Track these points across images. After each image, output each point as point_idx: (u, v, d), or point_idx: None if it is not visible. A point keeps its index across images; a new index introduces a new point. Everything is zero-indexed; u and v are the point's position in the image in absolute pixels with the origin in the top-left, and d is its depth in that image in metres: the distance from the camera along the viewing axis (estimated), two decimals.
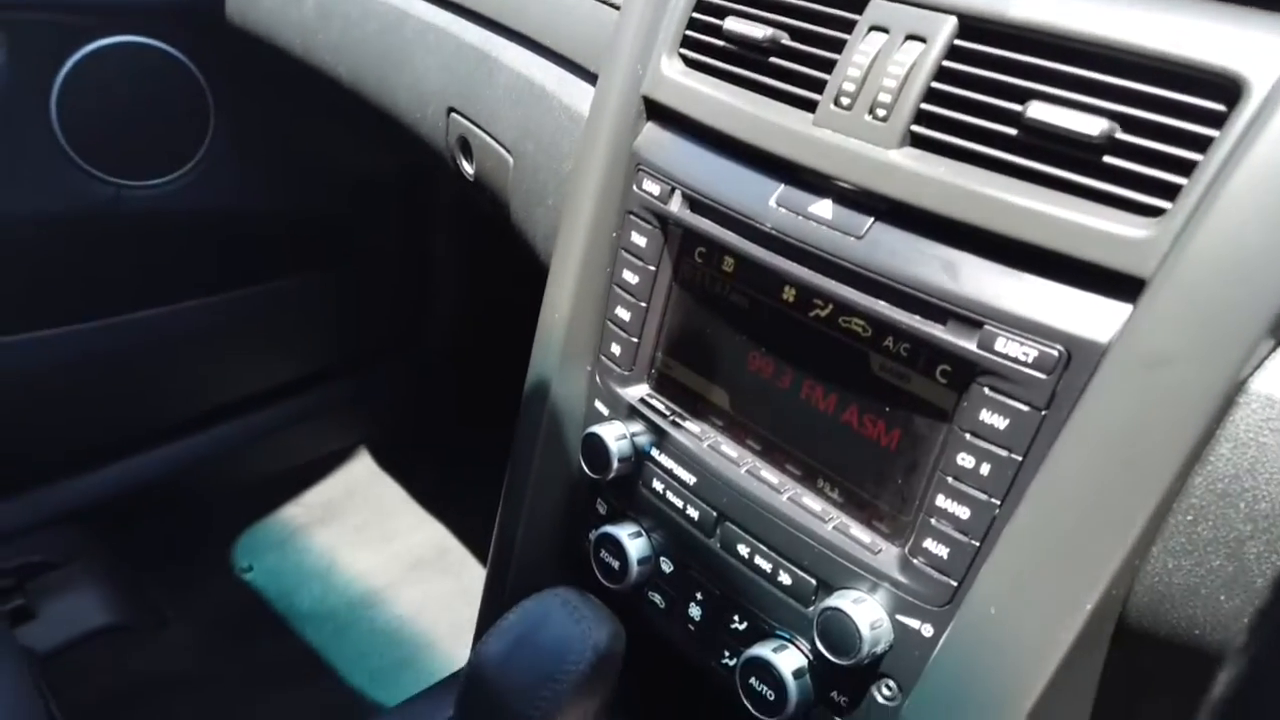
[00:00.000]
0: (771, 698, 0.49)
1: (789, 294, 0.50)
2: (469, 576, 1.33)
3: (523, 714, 0.43)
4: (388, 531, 1.40)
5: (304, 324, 1.34)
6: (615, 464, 0.57)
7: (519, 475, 0.67)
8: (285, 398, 1.36)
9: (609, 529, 0.58)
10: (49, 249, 1.11)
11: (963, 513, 0.43)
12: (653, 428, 0.57)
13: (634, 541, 0.58)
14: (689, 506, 0.55)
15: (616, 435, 0.57)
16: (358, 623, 1.26)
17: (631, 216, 0.56)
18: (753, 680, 0.50)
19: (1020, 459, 0.41)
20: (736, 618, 0.53)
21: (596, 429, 0.57)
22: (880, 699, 0.47)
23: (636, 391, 0.58)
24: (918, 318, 0.43)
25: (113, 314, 1.17)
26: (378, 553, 1.37)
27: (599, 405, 0.60)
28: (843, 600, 0.46)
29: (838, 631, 0.46)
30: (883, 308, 0.45)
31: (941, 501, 0.44)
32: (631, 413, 0.58)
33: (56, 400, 1.15)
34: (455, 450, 1.49)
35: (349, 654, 1.21)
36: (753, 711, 0.50)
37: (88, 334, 1.16)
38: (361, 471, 1.47)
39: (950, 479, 0.43)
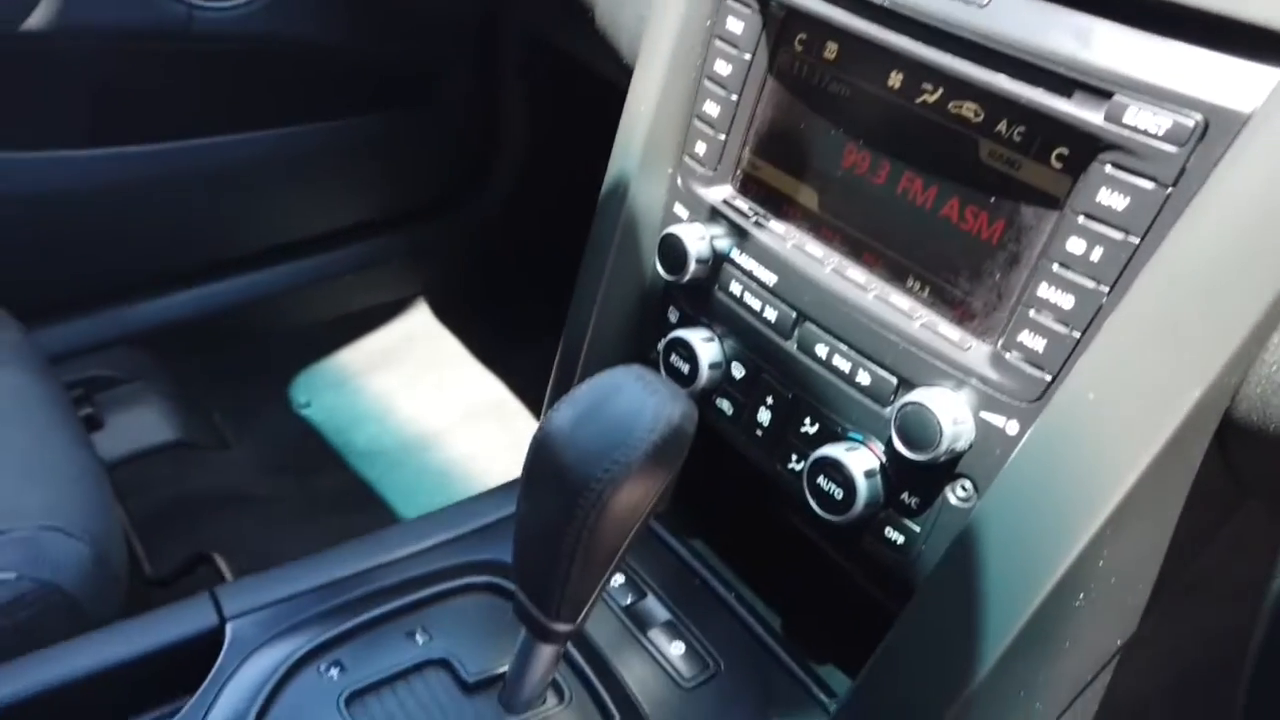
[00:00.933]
0: (839, 496, 0.48)
1: (895, 80, 0.47)
2: (522, 428, 1.34)
3: (589, 478, 0.43)
4: (444, 380, 1.41)
5: (367, 167, 1.33)
6: (692, 266, 0.55)
7: (590, 280, 0.66)
8: (347, 243, 1.36)
9: (680, 333, 0.57)
10: (119, 66, 1.10)
11: (1066, 302, 0.41)
12: (734, 230, 0.55)
13: (706, 346, 0.56)
14: (767, 308, 0.53)
15: (696, 236, 0.55)
16: (410, 463, 1.28)
17: (729, 1, 0.54)
18: (821, 479, 0.49)
19: (1137, 241, 0.38)
20: (808, 420, 0.52)
21: (675, 229, 0.56)
22: (954, 500, 0.46)
23: (719, 193, 0.56)
24: (1041, 90, 0.40)
25: (177, 138, 1.16)
26: (433, 400, 1.38)
27: (678, 208, 0.58)
28: (925, 394, 0.45)
29: (917, 424, 0.44)
30: (1003, 82, 0.42)
31: (1043, 292, 0.41)
32: (713, 215, 0.56)
33: (120, 221, 1.16)
34: (514, 304, 1.48)
35: (401, 489, 1.23)
36: (818, 511, 0.49)
37: (152, 155, 1.15)
38: (420, 320, 1.48)
39: (1055, 267, 0.41)
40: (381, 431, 1.32)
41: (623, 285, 0.64)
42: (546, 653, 0.48)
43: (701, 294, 0.57)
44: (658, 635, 0.56)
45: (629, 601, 0.59)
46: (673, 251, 0.56)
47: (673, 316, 0.60)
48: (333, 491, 1.21)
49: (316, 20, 1.17)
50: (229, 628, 0.52)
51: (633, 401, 0.44)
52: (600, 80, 0.92)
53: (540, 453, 0.45)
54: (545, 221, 1.35)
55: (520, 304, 1.49)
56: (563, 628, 0.46)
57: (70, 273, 1.14)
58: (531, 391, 1.36)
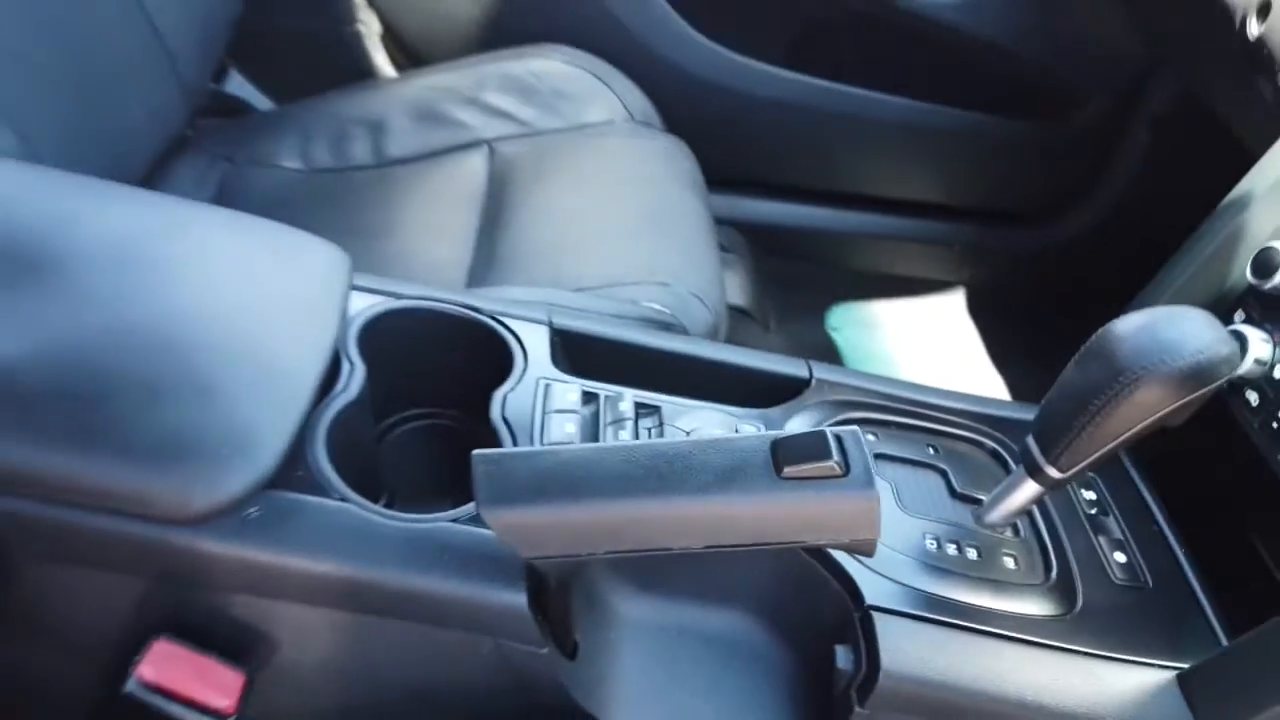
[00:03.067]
0: None
1: None
2: None
3: (1134, 365, 0.56)
4: (959, 359, 1.57)
5: (980, 157, 1.50)
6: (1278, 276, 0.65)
7: (1167, 282, 0.77)
8: (933, 216, 1.56)
9: (1240, 326, 0.68)
10: (827, 13, 1.38)
11: None
12: None
13: (1260, 343, 0.66)
14: None
15: None
16: None
17: None
18: None
19: None
20: None
21: (1275, 243, 0.66)
22: None
23: None
24: None
25: (848, 83, 1.42)
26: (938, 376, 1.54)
27: None
28: None
29: None
30: None
31: None
32: None
33: (788, 134, 1.45)
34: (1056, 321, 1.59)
35: None
36: None
37: (828, 90, 1.42)
38: (953, 306, 1.65)
39: None
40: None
41: (1198, 288, 0.75)
42: (1029, 488, 0.63)
43: (1273, 302, 0.67)
44: (1106, 542, 0.69)
45: (1093, 512, 0.71)
46: (1269, 262, 0.66)
47: (1238, 318, 0.70)
48: None
49: (1002, 24, 1.37)
50: (813, 380, 0.74)
51: (1195, 327, 0.57)
52: (1224, 131, 1.00)
53: (1105, 337, 0.59)
54: (1119, 252, 1.43)
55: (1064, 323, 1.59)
56: (1052, 473, 0.61)
57: (734, 157, 1.47)
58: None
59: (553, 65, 1.25)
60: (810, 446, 0.48)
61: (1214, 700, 0.57)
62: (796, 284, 1.57)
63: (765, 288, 1.54)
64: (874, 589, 0.59)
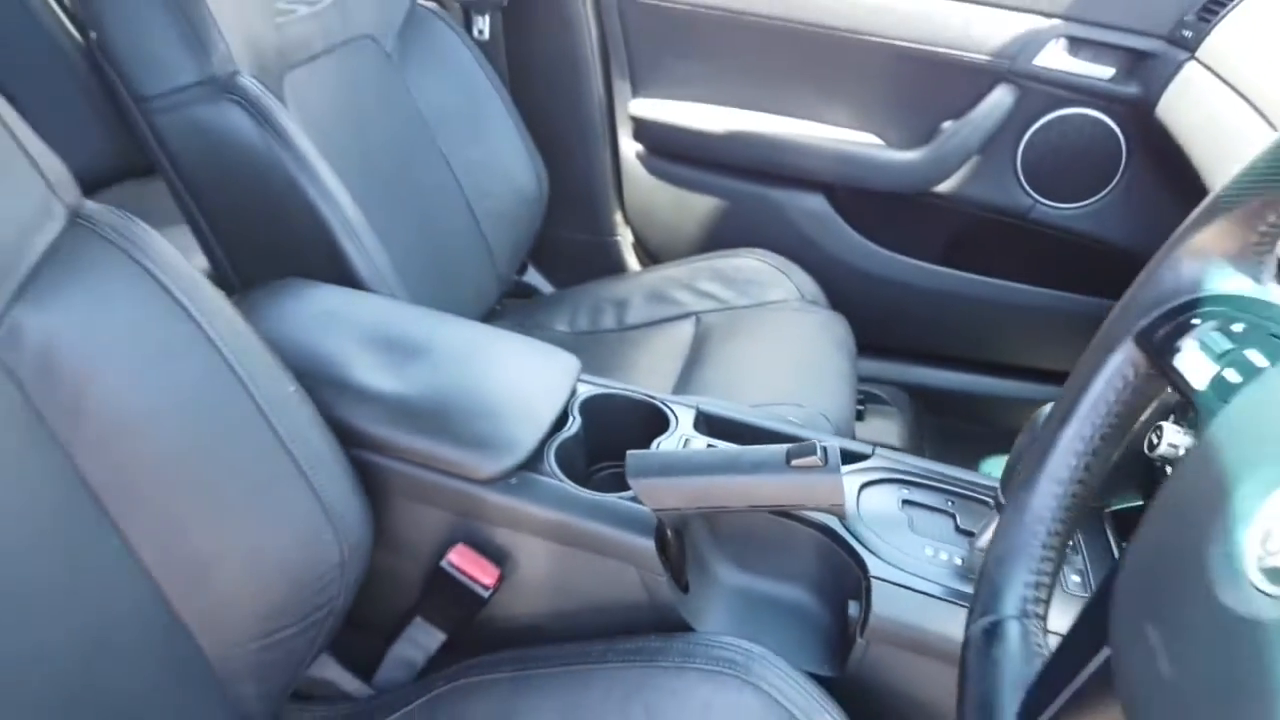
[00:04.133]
0: None
1: None
2: None
3: None
4: None
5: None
6: None
7: None
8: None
9: None
10: (971, 221, 1.76)
11: None
12: None
13: None
14: None
15: None
16: None
17: None
18: None
19: None
20: None
21: None
22: None
23: None
24: None
25: (982, 274, 1.78)
26: None
27: None
28: None
29: None
30: None
31: None
32: None
33: (937, 311, 1.82)
34: None
35: None
36: None
37: (969, 280, 1.78)
38: None
39: None
40: None
41: None
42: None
43: None
44: (1068, 569, 0.97)
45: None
46: None
47: None
48: None
49: (1119, 227, 1.68)
50: (874, 453, 1.09)
51: None
52: None
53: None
54: None
55: None
56: None
57: (893, 329, 1.85)
58: None
59: (748, 262, 1.72)
60: (806, 449, 0.85)
61: None
62: (952, 437, 1.88)
63: (923, 435, 1.86)
64: (878, 568, 0.93)
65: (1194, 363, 0.54)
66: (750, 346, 1.54)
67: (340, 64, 1.41)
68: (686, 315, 1.65)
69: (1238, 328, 0.53)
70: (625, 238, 1.93)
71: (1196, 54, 1.47)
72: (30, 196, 0.75)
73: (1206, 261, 0.57)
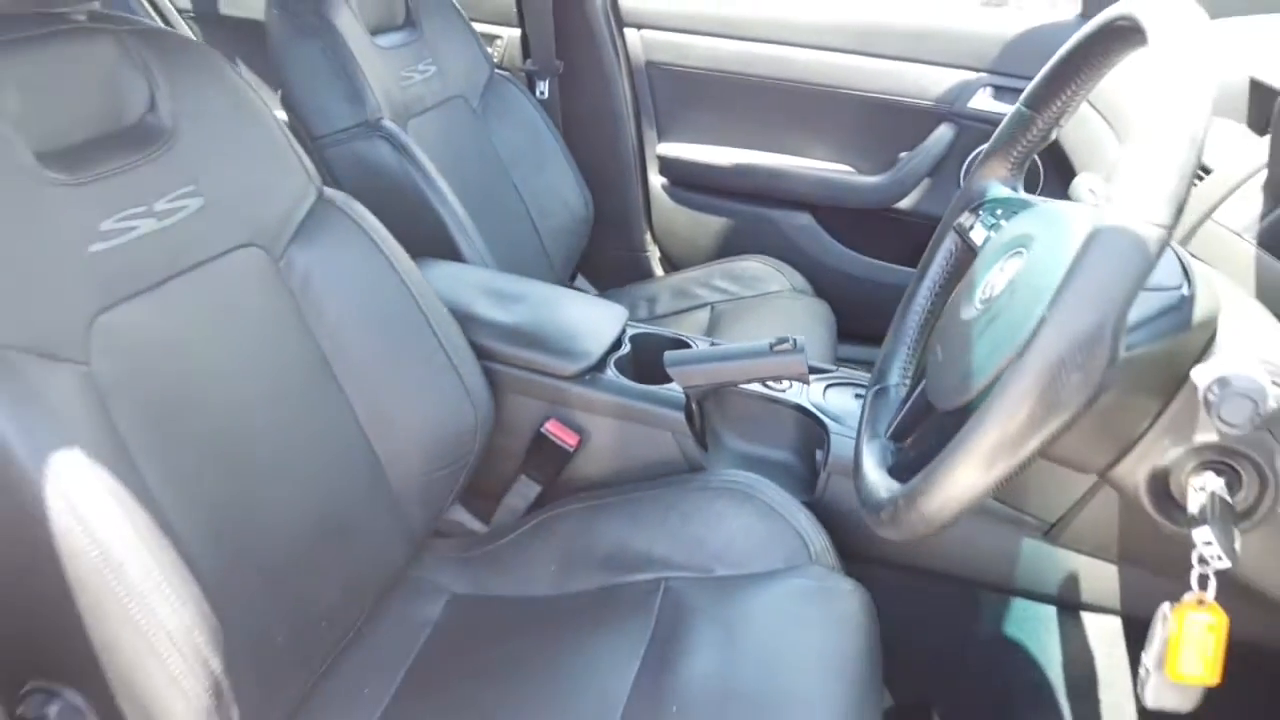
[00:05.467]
0: None
1: None
2: None
3: None
4: None
5: None
6: None
7: None
8: None
9: None
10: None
11: None
12: None
13: None
14: None
15: None
16: None
17: None
18: None
19: None
20: None
21: None
22: None
23: None
24: None
25: None
26: None
27: None
28: None
29: None
30: None
31: None
32: None
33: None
34: None
35: None
36: None
37: None
38: None
39: None
40: None
41: None
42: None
43: None
44: None
45: None
46: None
47: None
48: None
49: None
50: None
51: None
52: None
53: None
54: None
55: None
56: None
57: (865, 319, 2.30)
58: None
59: (751, 265, 2.19)
60: (783, 340, 1.31)
61: None
62: None
63: None
64: (835, 428, 1.37)
65: (978, 233, 1.00)
66: (753, 324, 2.00)
67: (442, 115, 1.91)
68: (703, 305, 2.12)
69: (999, 212, 0.99)
70: (654, 252, 2.41)
71: None
72: (298, 179, 1.24)
73: (986, 180, 1.03)
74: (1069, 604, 1.28)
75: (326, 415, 1.19)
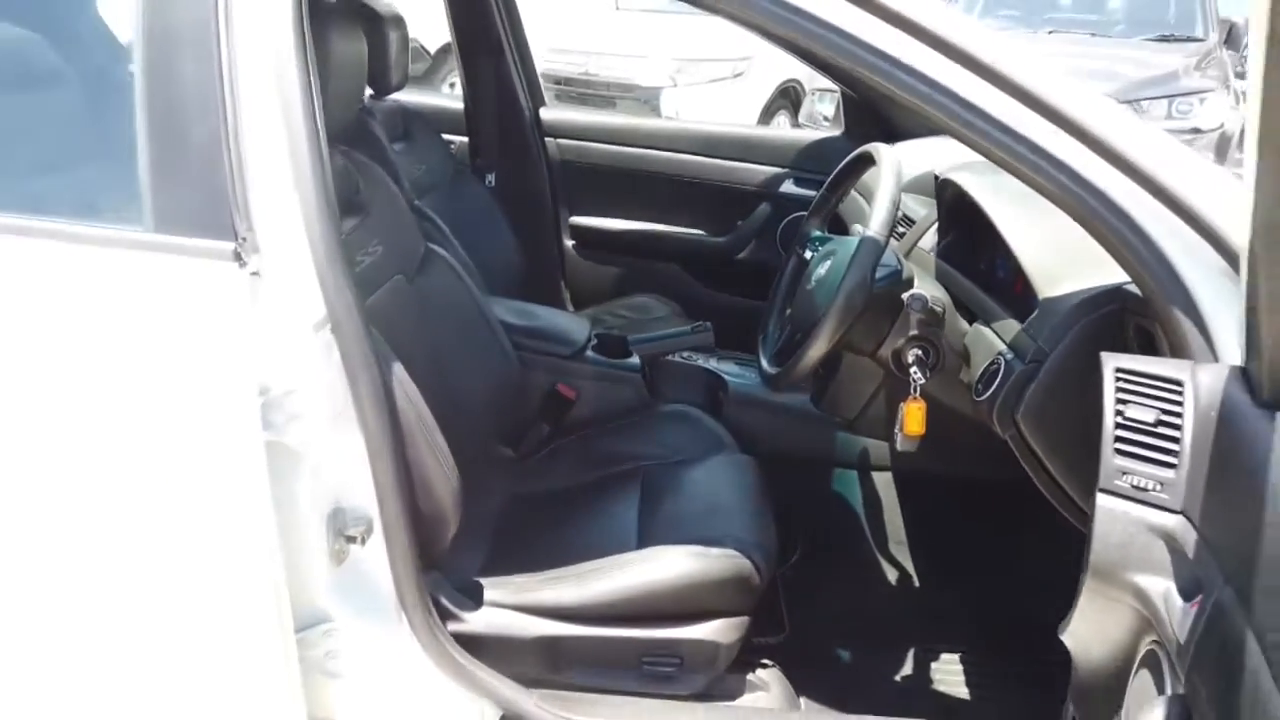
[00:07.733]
0: None
1: None
2: None
3: None
4: None
5: None
6: None
7: None
8: None
9: None
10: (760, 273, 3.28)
11: None
12: None
13: None
14: None
15: None
16: None
17: None
18: None
19: None
20: None
21: None
22: None
23: None
24: None
25: None
26: None
27: None
28: None
29: None
30: None
31: None
32: None
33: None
34: None
35: None
36: None
37: None
38: None
39: None
40: None
41: None
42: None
43: None
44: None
45: None
46: None
47: None
48: None
49: None
50: None
51: None
52: None
53: None
54: None
55: None
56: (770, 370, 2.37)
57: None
58: None
59: (641, 299, 3.13)
60: (700, 325, 2.26)
61: None
62: None
63: None
64: (730, 379, 2.34)
65: (809, 253, 2.00)
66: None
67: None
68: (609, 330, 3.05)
69: (818, 242, 1.99)
70: (567, 296, 3.33)
71: None
72: (416, 236, 2.09)
73: (810, 227, 2.04)
74: (863, 467, 2.29)
75: (490, 352, 2.06)
